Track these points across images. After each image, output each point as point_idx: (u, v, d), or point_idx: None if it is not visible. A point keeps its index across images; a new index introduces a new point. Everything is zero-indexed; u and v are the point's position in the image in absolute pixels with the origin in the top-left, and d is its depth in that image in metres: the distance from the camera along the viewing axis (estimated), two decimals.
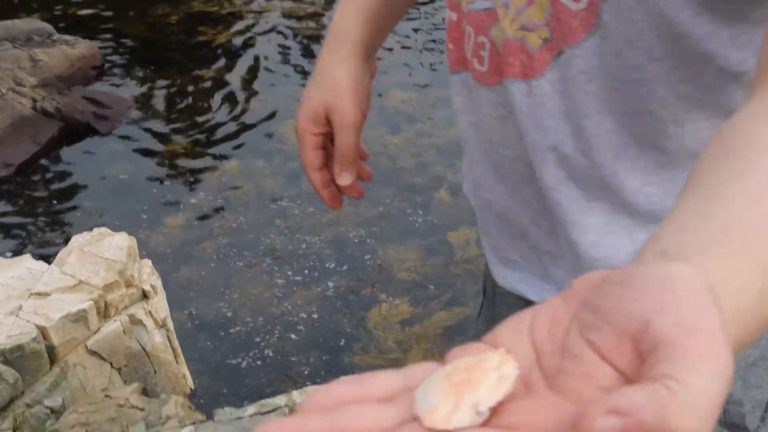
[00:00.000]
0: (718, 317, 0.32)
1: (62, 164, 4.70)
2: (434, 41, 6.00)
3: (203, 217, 4.29)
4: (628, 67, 0.71)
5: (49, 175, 4.63)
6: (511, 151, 0.85)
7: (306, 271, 3.95)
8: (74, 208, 4.36)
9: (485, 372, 0.35)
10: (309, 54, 5.89)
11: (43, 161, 4.65)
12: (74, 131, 4.75)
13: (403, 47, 5.83)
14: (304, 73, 5.49)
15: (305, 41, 6.12)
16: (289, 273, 3.94)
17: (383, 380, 0.37)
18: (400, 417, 0.35)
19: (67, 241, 2.89)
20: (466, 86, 0.88)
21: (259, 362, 3.43)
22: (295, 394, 2.36)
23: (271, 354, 3.52)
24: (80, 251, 2.73)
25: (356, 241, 4.14)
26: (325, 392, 0.36)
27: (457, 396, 0.34)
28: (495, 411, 0.34)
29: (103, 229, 2.84)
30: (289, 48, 5.98)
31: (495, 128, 0.86)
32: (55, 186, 4.55)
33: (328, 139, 1.04)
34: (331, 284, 3.86)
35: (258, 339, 3.59)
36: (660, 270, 0.34)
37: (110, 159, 4.72)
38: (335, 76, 1.00)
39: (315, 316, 3.68)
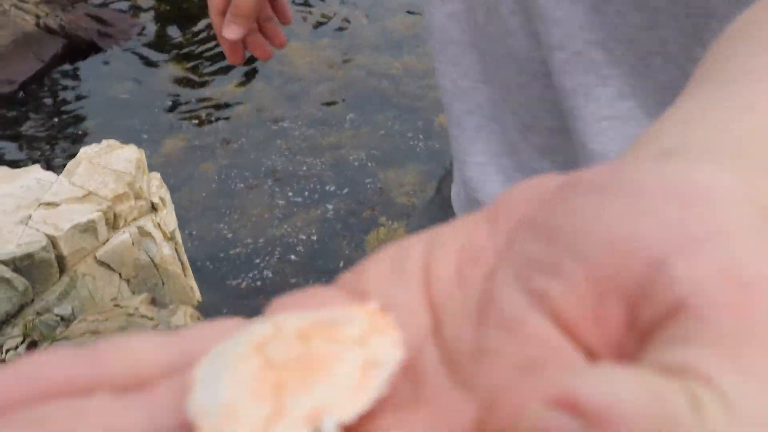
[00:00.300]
0: None
1: (65, 82, 4.77)
2: None
3: (204, 138, 4.34)
4: None
5: (52, 93, 4.70)
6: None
7: (306, 193, 4.04)
8: (76, 125, 4.41)
9: (338, 350, 0.20)
10: None
11: (47, 78, 4.70)
12: (78, 48, 4.81)
13: None
14: (302, 3, 5.48)
15: None
16: (290, 194, 4.03)
17: (135, 353, 0.21)
18: (150, 423, 0.20)
19: (71, 156, 2.93)
20: None
21: (259, 282, 3.58)
22: None
23: (270, 275, 3.66)
24: (89, 163, 2.78)
25: (356, 164, 4.19)
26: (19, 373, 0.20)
27: (279, 395, 0.19)
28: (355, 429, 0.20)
29: (112, 141, 2.88)
30: None
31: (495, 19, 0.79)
32: (58, 103, 4.63)
33: None
34: (330, 206, 3.95)
35: (258, 260, 3.72)
36: (675, 173, 0.20)
37: (113, 77, 4.75)
38: None
39: (314, 237, 3.79)
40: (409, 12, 5.33)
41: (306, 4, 5.38)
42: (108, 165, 2.80)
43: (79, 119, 4.47)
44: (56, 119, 4.50)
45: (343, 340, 0.20)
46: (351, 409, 0.19)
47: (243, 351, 0.20)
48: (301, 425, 0.18)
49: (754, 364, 0.17)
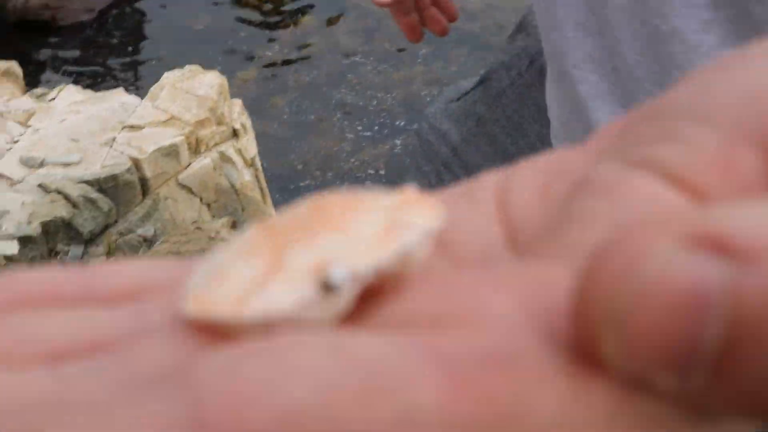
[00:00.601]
0: None
1: (140, 13, 4.99)
2: None
3: (276, 71, 4.50)
4: None
5: (127, 23, 4.91)
6: None
7: (376, 128, 4.17)
8: (155, 52, 4.63)
9: (357, 214, 0.18)
10: None
11: (123, 8, 4.93)
12: None
13: None
14: None
15: None
16: (359, 128, 4.16)
17: (131, 270, 0.20)
18: (138, 322, 0.18)
19: (149, 81, 3.02)
20: None
21: None
22: None
23: None
24: (172, 87, 2.83)
25: (428, 99, 4.24)
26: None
27: (278, 253, 0.17)
28: (377, 295, 0.16)
29: (194, 67, 2.92)
30: None
31: None
32: (135, 31, 4.84)
33: None
34: (398, 142, 4.07)
35: (327, 192, 3.97)
36: None
37: (187, 10, 4.95)
38: None
39: (382, 172, 3.94)
40: None
41: None
42: (191, 90, 2.84)
43: (157, 47, 4.65)
44: (133, 47, 4.70)
45: (372, 205, 0.17)
46: (367, 260, 0.15)
47: (251, 234, 0.16)
48: (304, 278, 0.15)
49: None
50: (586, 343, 0.14)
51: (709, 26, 0.72)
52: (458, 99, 1.29)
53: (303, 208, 0.17)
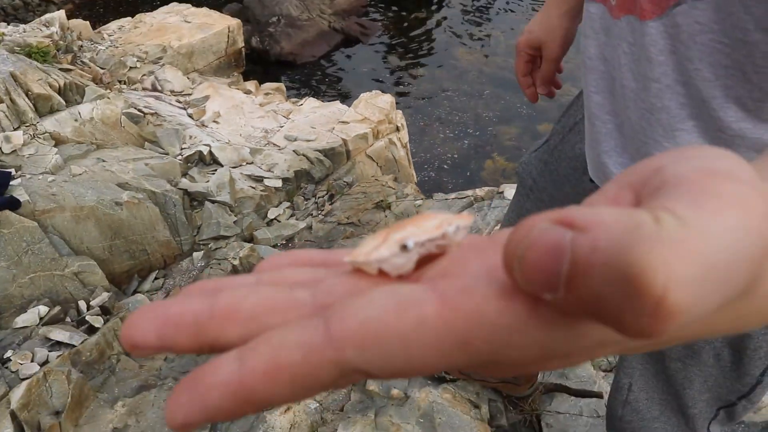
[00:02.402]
0: (757, 177, 0.23)
1: (342, 58, 7.30)
2: None
3: (405, 98, 6.50)
4: (736, 27, 0.68)
5: (334, 64, 7.18)
6: (629, 75, 0.83)
7: (456, 132, 6.14)
8: (348, 82, 6.65)
9: (429, 219, 0.29)
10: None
11: (333, 56, 7.25)
12: (349, 40, 7.35)
13: None
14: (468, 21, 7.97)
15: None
16: (447, 131, 6.12)
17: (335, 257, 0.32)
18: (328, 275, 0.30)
19: (355, 97, 4.15)
20: (599, 14, 0.88)
21: (432, 174, 5.62)
22: (476, 190, 3.34)
23: (433, 174, 5.67)
24: (366, 101, 3.87)
25: (486, 119, 6.24)
26: (269, 261, 0.32)
27: (387, 234, 0.29)
28: (432, 259, 0.28)
29: (377, 91, 3.93)
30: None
31: (616, 55, 0.85)
32: (338, 71, 7.08)
33: (536, 58, 1.20)
34: (467, 141, 6.04)
35: (428, 165, 5.71)
36: (713, 151, 0.24)
37: (366, 59, 7.15)
38: (553, 24, 1.16)
39: (455, 157, 5.87)
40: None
41: (471, 23, 7.85)
42: (375, 103, 3.84)
43: (349, 80, 6.63)
44: (337, 79, 6.74)
45: (435, 217, 0.29)
46: (424, 236, 0.27)
47: (381, 230, 0.29)
48: (394, 244, 0.27)
49: (706, 205, 0.20)
50: (507, 272, 0.22)
51: (683, 107, 0.78)
52: (534, 151, 1.34)
53: (407, 219, 0.29)
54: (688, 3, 0.70)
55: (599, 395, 2.15)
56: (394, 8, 8.16)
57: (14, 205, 2.62)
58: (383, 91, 4.13)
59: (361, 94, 3.97)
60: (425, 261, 0.28)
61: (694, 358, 1.03)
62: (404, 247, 0.27)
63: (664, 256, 0.19)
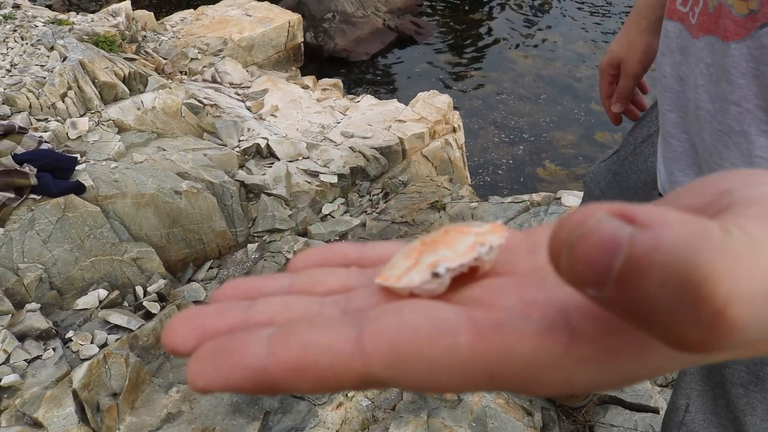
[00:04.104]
0: None
1: (395, 57, 7.34)
2: None
3: (461, 96, 6.47)
4: None
5: (388, 62, 7.20)
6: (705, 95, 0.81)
7: (511, 137, 6.12)
8: (402, 81, 6.63)
9: (462, 236, 0.28)
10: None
11: (388, 54, 7.32)
12: (402, 39, 7.37)
13: None
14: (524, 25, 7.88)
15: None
16: (502, 135, 6.09)
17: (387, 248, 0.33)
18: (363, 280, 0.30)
19: (412, 96, 4.17)
20: (676, 33, 0.87)
21: (488, 179, 5.57)
22: (533, 195, 3.31)
23: (488, 179, 5.63)
24: (423, 101, 3.88)
25: (543, 124, 6.18)
26: (241, 283, 0.31)
27: (419, 255, 0.28)
28: (464, 281, 0.27)
29: (434, 91, 3.96)
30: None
31: (692, 75, 0.83)
32: (391, 69, 7.09)
33: (618, 78, 1.19)
34: (522, 146, 5.99)
35: (482, 170, 5.68)
36: None
37: (420, 58, 7.11)
38: (633, 40, 1.15)
39: (511, 162, 5.82)
40: (583, 40, 7.55)
41: (527, 26, 7.82)
42: (433, 103, 3.86)
43: (402, 78, 6.63)
44: (392, 76, 6.76)
45: (468, 232, 0.28)
46: (456, 261, 0.26)
47: (416, 242, 0.29)
48: (426, 269, 0.26)
49: None
50: (551, 260, 0.21)
51: (764, 134, 0.76)
52: (604, 161, 1.35)
53: (439, 231, 0.28)
54: None
55: (655, 410, 2.12)
56: (449, 8, 8.21)
57: (80, 189, 2.69)
58: (441, 91, 4.15)
59: (419, 93, 3.99)
60: (459, 276, 0.28)
61: (758, 384, 1.00)
62: (436, 275, 0.27)
63: (731, 268, 0.19)
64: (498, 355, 0.23)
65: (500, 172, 5.63)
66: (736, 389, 1.03)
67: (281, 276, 0.31)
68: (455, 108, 4.15)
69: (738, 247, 0.19)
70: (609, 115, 1.21)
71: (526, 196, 3.37)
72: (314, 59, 6.71)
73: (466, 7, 8.11)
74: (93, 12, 4.38)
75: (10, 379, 2.09)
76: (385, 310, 0.25)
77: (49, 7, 6.53)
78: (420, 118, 3.81)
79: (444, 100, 3.94)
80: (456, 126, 3.94)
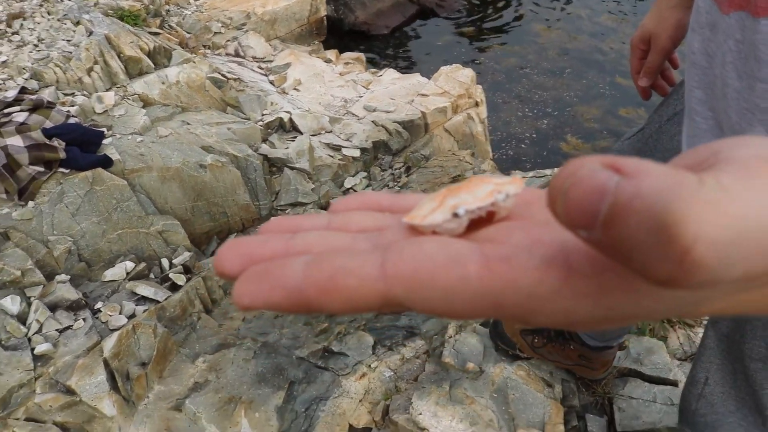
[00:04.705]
0: None
1: (416, 30, 7.21)
2: None
3: (483, 71, 6.34)
4: None
5: (408, 35, 7.11)
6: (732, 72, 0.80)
7: (535, 111, 6.01)
8: (423, 55, 6.51)
9: (483, 184, 0.31)
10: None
11: (407, 28, 7.18)
12: (424, 12, 7.25)
13: None
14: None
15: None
16: (526, 110, 5.99)
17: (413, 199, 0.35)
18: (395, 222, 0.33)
19: (435, 70, 4.14)
20: (706, 8, 0.85)
21: (511, 152, 5.53)
22: (556, 169, 3.29)
23: (511, 152, 5.59)
24: (446, 75, 3.89)
25: (567, 98, 6.07)
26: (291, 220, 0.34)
27: (443, 199, 0.31)
28: (482, 224, 0.30)
29: (457, 65, 3.96)
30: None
31: (721, 52, 0.82)
32: (413, 43, 6.97)
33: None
34: (545, 120, 5.90)
35: (505, 144, 5.62)
36: None
37: (442, 32, 7.04)
38: (663, 15, 1.15)
39: (534, 136, 5.74)
40: (609, 12, 7.38)
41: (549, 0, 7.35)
42: (456, 77, 3.86)
43: (423, 52, 6.54)
44: (413, 49, 6.66)
45: (489, 182, 0.31)
46: (475, 204, 0.29)
47: (443, 189, 0.31)
48: (448, 211, 0.29)
49: (750, 181, 0.22)
50: (550, 206, 0.24)
51: None
52: (628, 138, 1.34)
53: (466, 180, 0.31)
54: None
55: (674, 383, 2.13)
56: None
57: (107, 163, 2.74)
58: (464, 65, 4.13)
59: (441, 68, 3.98)
60: (477, 220, 0.30)
61: None
62: (456, 215, 0.29)
63: (699, 213, 0.21)
64: (504, 286, 0.25)
65: (523, 146, 5.57)
66: (754, 364, 1.05)
67: (321, 215, 0.34)
68: (478, 82, 4.16)
69: (709, 196, 0.21)
70: (638, 89, 1.22)
71: (548, 171, 3.37)
72: (334, 33, 6.63)
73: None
74: None
75: (43, 347, 2.15)
76: (408, 242, 0.27)
77: None
78: (443, 92, 3.81)
79: (467, 74, 3.94)
80: (479, 100, 3.93)
